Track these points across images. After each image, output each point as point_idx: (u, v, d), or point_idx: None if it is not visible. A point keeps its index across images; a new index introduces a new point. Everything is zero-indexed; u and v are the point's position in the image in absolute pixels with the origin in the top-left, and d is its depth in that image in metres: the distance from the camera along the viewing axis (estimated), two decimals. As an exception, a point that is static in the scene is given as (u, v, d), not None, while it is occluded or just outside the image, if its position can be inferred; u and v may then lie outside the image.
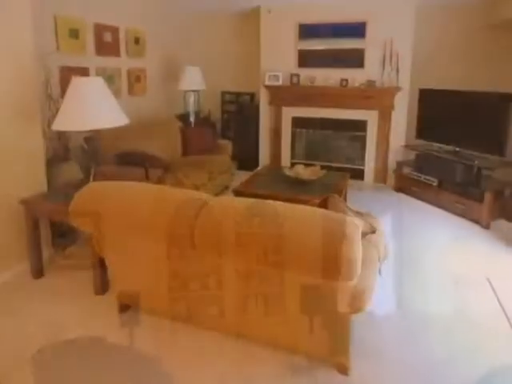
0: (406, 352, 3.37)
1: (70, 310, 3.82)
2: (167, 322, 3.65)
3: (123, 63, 7.02)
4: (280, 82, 8.43)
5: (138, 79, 7.37)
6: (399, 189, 7.66)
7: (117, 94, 6.70)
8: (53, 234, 4.87)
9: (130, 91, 7.21)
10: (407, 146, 7.66)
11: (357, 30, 7.82)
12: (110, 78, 6.61)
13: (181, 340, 3.46)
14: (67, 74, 5.62)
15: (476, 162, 6.17)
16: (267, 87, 8.61)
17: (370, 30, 7.74)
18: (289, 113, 8.70)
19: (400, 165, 7.65)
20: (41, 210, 4.23)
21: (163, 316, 3.71)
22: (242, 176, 7.28)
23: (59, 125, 3.98)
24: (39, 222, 4.35)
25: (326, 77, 8.17)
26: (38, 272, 4.37)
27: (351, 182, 7.61)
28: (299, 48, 8.33)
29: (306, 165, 6.38)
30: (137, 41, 7.27)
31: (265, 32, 8.52)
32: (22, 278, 4.36)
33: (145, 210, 3.04)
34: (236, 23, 9.65)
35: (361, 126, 8.21)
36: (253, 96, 9.62)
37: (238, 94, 9.83)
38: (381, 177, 8.22)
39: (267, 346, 3.36)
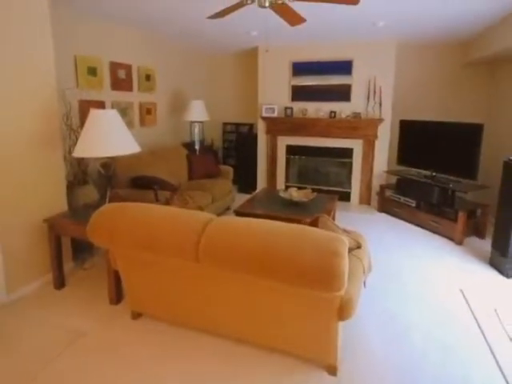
0: (390, 353, 3.40)
1: (88, 318, 3.84)
2: (173, 329, 3.68)
3: (135, 97, 7.08)
4: (275, 114, 8.53)
5: (148, 112, 7.43)
6: (382, 209, 7.70)
7: (130, 124, 6.76)
8: (73, 250, 4.91)
9: (142, 122, 7.26)
10: (389, 171, 7.70)
11: (344, 67, 7.95)
12: (124, 111, 6.69)
13: (183, 344, 3.47)
14: (85, 106, 5.70)
15: (450, 186, 6.23)
16: (264, 118, 8.68)
17: (355, 68, 7.87)
18: (283, 141, 8.76)
19: (382, 188, 7.69)
20: (62, 228, 4.25)
21: (170, 323, 3.75)
22: (242, 198, 7.32)
23: (79, 152, 4.01)
24: (61, 238, 4.39)
25: (317, 109, 8.27)
26: (60, 283, 4.40)
27: (339, 203, 7.66)
28: (292, 83, 8.44)
29: (299, 188, 6.41)
30: (148, 77, 7.33)
31: (262, 69, 8.64)
32: (45, 289, 4.39)
33: (154, 228, 3.07)
34: (236, 61, 9.82)
35: (347, 153, 8.27)
36: (251, 126, 9.74)
37: (238, 125, 9.96)
38: (365, 199, 8.26)
39: (264, 350, 3.39)
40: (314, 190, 6.07)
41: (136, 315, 3.84)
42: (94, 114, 4.07)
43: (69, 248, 4.82)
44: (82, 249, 5.11)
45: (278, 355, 3.33)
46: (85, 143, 4.00)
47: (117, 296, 4.08)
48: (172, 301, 3.50)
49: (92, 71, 5.90)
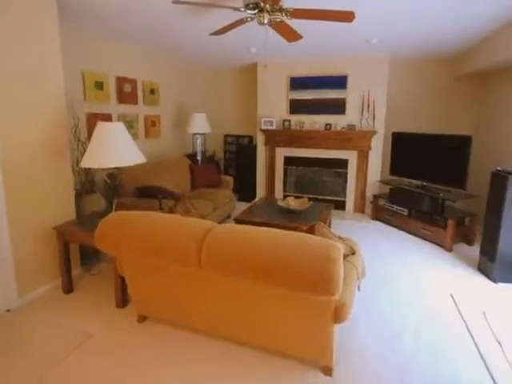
0: (383, 354, 3.42)
1: (95, 321, 3.86)
2: (177, 331, 3.70)
3: (141, 110, 7.11)
4: (274, 127, 8.57)
5: (153, 124, 7.45)
6: (375, 217, 7.72)
7: (135, 136, 6.80)
8: (81, 256, 4.92)
9: (147, 134, 7.28)
10: (382, 181, 7.72)
11: (339, 82, 8.00)
12: (130, 123, 6.72)
13: (186, 346, 3.49)
14: (93, 119, 5.73)
15: (440, 195, 6.26)
16: (263, 131, 8.72)
17: (350, 82, 7.93)
18: (281, 152, 8.79)
19: (376, 197, 7.71)
20: (70, 235, 4.26)
21: (174, 326, 3.76)
22: (242, 206, 7.36)
23: (86, 162, 4.03)
24: (69, 245, 4.41)
25: (313, 122, 8.32)
26: (68, 288, 4.42)
27: (334, 211, 7.70)
28: (290, 97, 8.49)
29: (296, 197, 6.44)
30: (152, 91, 7.37)
31: (261, 84, 8.70)
32: (54, 293, 4.41)
33: (159, 235, 3.09)
34: (236, 76, 9.88)
35: (342, 163, 8.30)
36: (251, 138, 9.79)
37: (238, 137, 10.01)
38: (360, 207, 8.28)
39: (263, 351, 3.41)
40: (310, 199, 6.12)
41: (141, 318, 3.86)
42: (101, 126, 4.10)
43: (77, 254, 4.85)
44: (90, 255, 5.13)
45: (276, 357, 3.35)
46: (92, 154, 4.02)
47: (123, 300, 4.10)
48: (176, 305, 3.52)
49: (99, 85, 5.93)
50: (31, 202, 4.17)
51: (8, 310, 4.02)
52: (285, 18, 3.87)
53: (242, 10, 3.77)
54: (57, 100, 4.36)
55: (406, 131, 7.75)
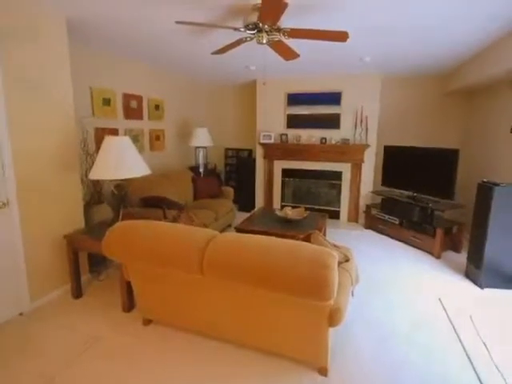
0: (376, 356, 3.44)
1: (103, 324, 3.88)
2: (180, 334, 3.72)
3: (146, 125, 7.15)
4: (272, 140, 8.60)
5: (157, 138, 7.49)
6: (368, 226, 7.75)
7: (140, 149, 6.84)
8: (89, 263, 4.95)
9: (152, 148, 7.31)
10: (374, 192, 7.75)
11: (334, 98, 8.05)
12: (135, 137, 6.76)
13: (189, 348, 3.50)
14: (101, 133, 5.77)
15: (430, 205, 6.29)
16: (262, 144, 8.76)
17: (344, 99, 7.99)
18: (279, 165, 8.82)
19: (369, 207, 7.74)
20: (80, 243, 4.29)
21: (177, 329, 3.78)
22: (242, 216, 7.39)
23: (94, 174, 4.07)
24: (78, 252, 4.43)
25: (309, 136, 8.36)
26: (78, 293, 4.44)
27: (329, 220, 7.72)
28: (287, 113, 8.54)
29: (293, 207, 6.46)
30: (157, 107, 7.41)
31: (260, 100, 8.75)
32: (64, 298, 4.43)
33: (163, 243, 3.12)
34: (237, 93, 9.95)
35: (337, 175, 8.33)
36: (250, 151, 9.83)
37: (238, 150, 10.05)
38: (353, 217, 8.30)
39: (262, 353, 3.43)
40: (306, 209, 6.13)
41: (147, 322, 3.88)
42: (109, 140, 4.14)
43: (86, 261, 4.88)
44: (98, 262, 5.15)
45: (274, 358, 3.38)
46: (100, 167, 4.06)
47: (129, 304, 4.12)
48: (179, 309, 3.54)
49: (106, 102, 5.98)
50: (43, 211, 4.20)
51: (21, 314, 4.05)
52: (282, 38, 3.92)
53: (242, 30, 3.82)
54: (67, 116, 4.41)
55: (398, 145, 7.80)
